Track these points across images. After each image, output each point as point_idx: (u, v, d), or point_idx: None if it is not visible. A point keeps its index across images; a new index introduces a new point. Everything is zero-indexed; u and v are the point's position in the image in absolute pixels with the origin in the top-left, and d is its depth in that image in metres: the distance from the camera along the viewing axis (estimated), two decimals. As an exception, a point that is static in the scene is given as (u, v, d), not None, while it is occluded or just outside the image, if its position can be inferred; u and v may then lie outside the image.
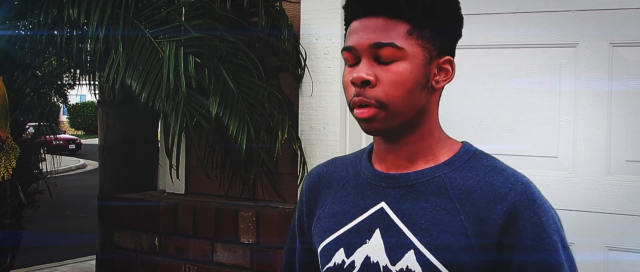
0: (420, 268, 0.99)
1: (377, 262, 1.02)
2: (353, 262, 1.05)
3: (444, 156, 1.07)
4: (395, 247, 1.02)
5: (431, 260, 0.99)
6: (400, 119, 1.02)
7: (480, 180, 1.03)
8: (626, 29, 2.22)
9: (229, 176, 2.60)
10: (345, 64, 1.06)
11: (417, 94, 1.02)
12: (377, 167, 1.10)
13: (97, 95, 4.03)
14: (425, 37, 1.01)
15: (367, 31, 1.01)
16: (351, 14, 1.05)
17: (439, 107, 1.09)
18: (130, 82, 2.34)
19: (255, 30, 2.64)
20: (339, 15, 2.55)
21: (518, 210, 0.99)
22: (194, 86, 2.32)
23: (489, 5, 2.42)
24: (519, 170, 1.06)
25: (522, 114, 2.37)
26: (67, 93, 4.14)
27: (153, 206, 2.92)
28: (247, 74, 2.54)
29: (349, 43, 1.03)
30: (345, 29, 1.07)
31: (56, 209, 7.57)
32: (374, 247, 1.03)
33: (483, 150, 1.10)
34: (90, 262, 5.99)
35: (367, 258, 1.04)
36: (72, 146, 20.15)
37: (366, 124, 1.02)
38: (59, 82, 3.68)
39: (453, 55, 1.07)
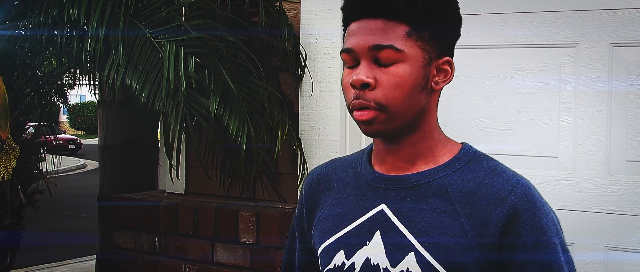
0: (420, 270, 0.99)
1: (378, 264, 1.02)
2: (353, 264, 1.05)
3: (444, 157, 1.07)
4: (396, 249, 1.02)
5: (431, 262, 0.99)
6: (400, 121, 1.02)
7: (481, 182, 1.02)
8: (626, 29, 2.22)
9: (229, 176, 2.60)
10: (344, 65, 1.05)
11: (416, 96, 1.02)
12: (377, 168, 1.10)
13: (97, 95, 4.03)
14: (425, 39, 1.01)
15: (366, 33, 1.00)
16: (349, 15, 1.05)
17: (439, 107, 1.09)
18: (130, 82, 2.34)
19: (255, 30, 2.64)
20: (339, 15, 2.52)
21: (518, 212, 0.99)
22: (194, 86, 2.32)
23: (489, 5, 2.42)
24: (519, 170, 1.06)
25: (522, 114, 2.37)
26: (67, 93, 4.15)
27: (153, 206, 2.92)
28: (247, 74, 2.54)
29: (348, 45, 1.02)
30: (343, 31, 1.06)
31: (56, 209, 7.57)
32: (374, 249, 1.03)
33: (483, 150, 1.10)
34: (90, 262, 5.99)
35: (367, 260, 1.04)
36: (72, 146, 20.14)
37: (366, 127, 1.02)
38: (59, 82, 3.68)
39: (452, 56, 1.07)
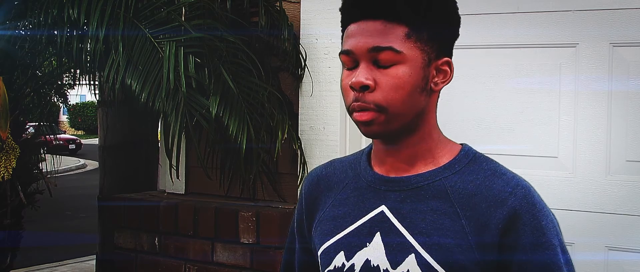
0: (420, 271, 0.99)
1: (378, 265, 1.02)
2: (353, 265, 1.05)
3: (444, 159, 1.07)
4: (396, 251, 1.02)
5: (432, 263, 0.99)
6: (400, 122, 1.02)
7: (481, 184, 1.02)
8: (626, 29, 2.22)
9: (229, 176, 2.61)
10: (343, 67, 1.05)
11: (416, 97, 1.02)
12: (377, 169, 1.10)
13: (97, 95, 4.03)
14: (424, 40, 1.01)
15: (365, 35, 1.00)
16: (348, 16, 1.04)
17: (439, 107, 1.09)
18: (130, 82, 2.34)
19: (255, 30, 2.64)
20: (339, 15, 2.54)
21: (518, 214, 0.99)
22: (194, 86, 2.32)
23: (489, 5, 2.41)
24: (519, 170, 1.06)
25: (522, 114, 2.37)
26: (67, 93, 4.15)
27: (153, 206, 2.92)
28: (247, 74, 2.54)
29: (347, 47, 1.02)
30: (342, 32, 1.06)
31: (56, 209, 7.58)
32: (375, 251, 1.03)
33: (483, 150, 1.10)
34: (90, 262, 5.99)
35: (367, 261, 1.03)
36: (72, 146, 20.14)
37: (365, 127, 1.02)
38: (59, 82, 3.68)
39: (451, 56, 1.07)
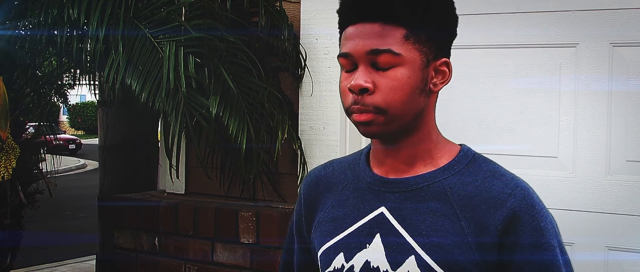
0: (420, 273, 0.99)
1: (378, 267, 1.02)
2: (352, 266, 1.05)
3: (443, 160, 1.07)
4: (396, 252, 1.02)
5: (432, 265, 0.99)
6: (399, 123, 1.02)
7: (480, 185, 1.02)
8: (626, 29, 2.22)
9: (229, 176, 2.61)
10: (342, 69, 1.05)
11: (415, 99, 1.01)
12: (376, 170, 1.10)
13: (97, 95, 4.03)
14: (422, 41, 1.01)
15: (363, 37, 1.00)
16: (346, 19, 1.04)
17: (439, 107, 1.09)
18: (130, 82, 2.34)
19: (255, 30, 2.64)
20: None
21: (517, 215, 0.99)
22: (194, 86, 2.32)
23: (489, 5, 2.41)
24: (518, 170, 1.06)
25: (522, 114, 2.37)
26: (67, 93, 4.14)
27: (153, 206, 2.93)
28: (247, 74, 2.54)
29: (345, 49, 1.02)
30: (340, 34, 1.06)
31: (56, 209, 7.58)
32: (374, 252, 1.03)
33: (483, 150, 1.10)
34: (90, 262, 6.00)
35: (367, 263, 1.03)
36: (72, 146, 20.14)
37: (364, 128, 1.02)
38: (59, 82, 3.68)
39: (449, 57, 1.06)
